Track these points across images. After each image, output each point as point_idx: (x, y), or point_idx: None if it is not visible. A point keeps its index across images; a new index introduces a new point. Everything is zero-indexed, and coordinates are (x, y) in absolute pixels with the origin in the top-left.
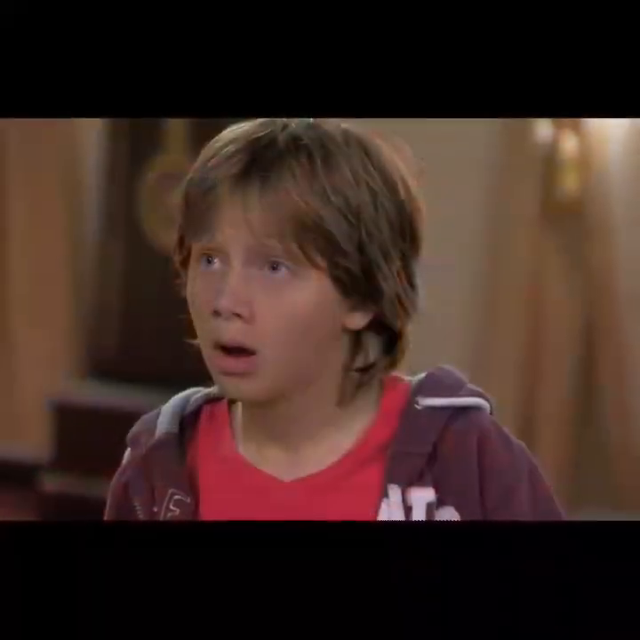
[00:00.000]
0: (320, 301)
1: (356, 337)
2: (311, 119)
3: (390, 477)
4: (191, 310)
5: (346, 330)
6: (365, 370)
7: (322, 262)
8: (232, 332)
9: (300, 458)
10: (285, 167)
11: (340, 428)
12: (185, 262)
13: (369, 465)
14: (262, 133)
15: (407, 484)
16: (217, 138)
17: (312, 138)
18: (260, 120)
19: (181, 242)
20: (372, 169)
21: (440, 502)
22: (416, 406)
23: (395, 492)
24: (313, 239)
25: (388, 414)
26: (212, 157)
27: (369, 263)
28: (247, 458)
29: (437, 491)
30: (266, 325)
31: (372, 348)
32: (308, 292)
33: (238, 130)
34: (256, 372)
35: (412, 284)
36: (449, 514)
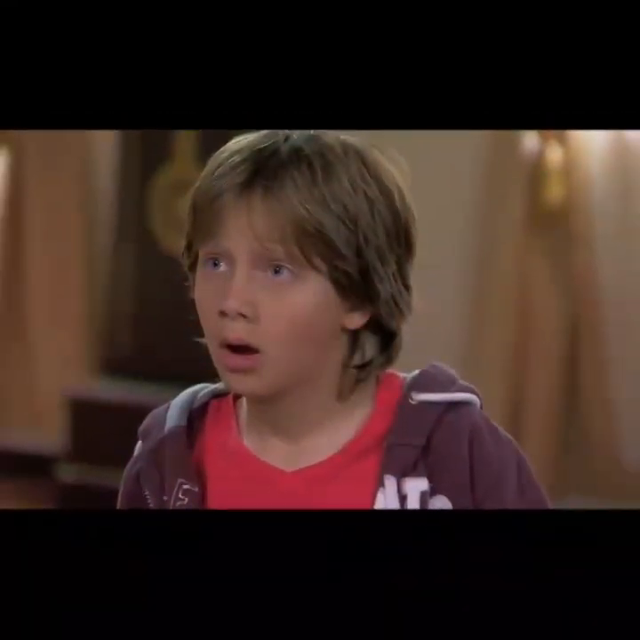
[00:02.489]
0: (320, 302)
1: (354, 336)
2: (312, 131)
3: (386, 468)
4: (199, 311)
5: (344, 329)
6: (363, 367)
7: (322, 265)
8: (237, 331)
9: (301, 450)
10: (287, 176)
11: (338, 421)
12: (193, 266)
13: (366, 456)
14: (266, 144)
15: (402, 474)
16: (223, 149)
17: (313, 149)
18: (263, 132)
19: (189, 246)
20: (369, 178)
21: (433, 491)
22: (410, 401)
23: (390, 482)
24: (313, 244)
25: (384, 409)
26: (218, 167)
27: (366, 266)
28: (251, 450)
29: (431, 480)
30: (269, 325)
31: (369, 347)
32: (308, 294)
33: (243, 141)
34: (260, 370)
35: (406, 286)
36: (441, 502)
